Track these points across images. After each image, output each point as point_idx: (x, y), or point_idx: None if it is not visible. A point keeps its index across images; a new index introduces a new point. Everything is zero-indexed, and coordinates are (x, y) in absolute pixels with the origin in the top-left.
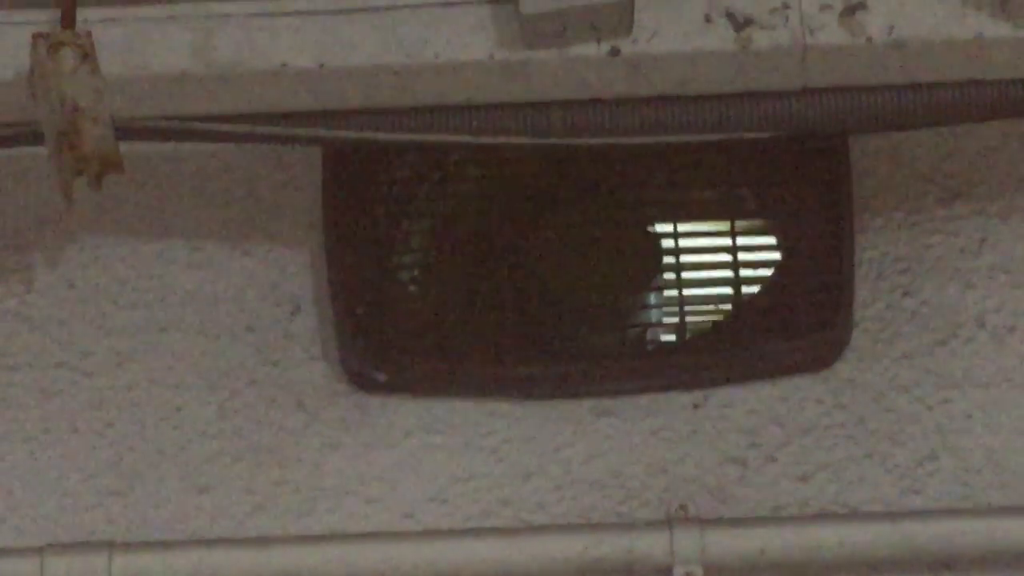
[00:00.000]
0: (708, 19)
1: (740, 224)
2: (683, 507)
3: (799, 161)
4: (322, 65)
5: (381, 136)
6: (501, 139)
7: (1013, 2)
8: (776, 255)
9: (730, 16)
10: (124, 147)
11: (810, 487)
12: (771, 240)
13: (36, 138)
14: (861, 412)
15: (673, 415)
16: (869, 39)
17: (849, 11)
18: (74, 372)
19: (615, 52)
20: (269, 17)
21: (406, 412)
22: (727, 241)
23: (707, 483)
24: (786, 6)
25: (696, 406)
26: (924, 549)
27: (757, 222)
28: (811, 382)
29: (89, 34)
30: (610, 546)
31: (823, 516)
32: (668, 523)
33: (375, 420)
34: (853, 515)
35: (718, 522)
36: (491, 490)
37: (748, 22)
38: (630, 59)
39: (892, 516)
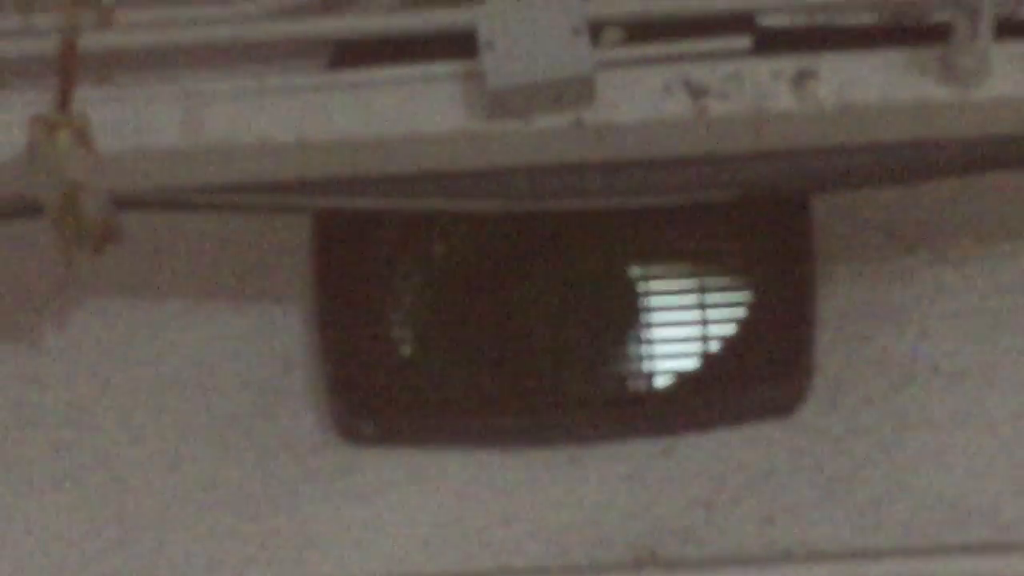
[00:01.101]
0: (667, 89)
1: (707, 279)
2: (653, 553)
3: (763, 217)
4: (303, 138)
5: (360, 203)
6: (473, 204)
7: (956, 67)
8: (741, 308)
9: (687, 85)
10: (123, 216)
11: (773, 529)
12: (737, 294)
13: (38, 211)
14: (821, 456)
15: (643, 462)
16: (819, 105)
17: (799, 79)
18: (80, 428)
19: (578, 122)
20: (253, 94)
21: (393, 462)
22: (695, 296)
23: (675, 526)
24: (739, 75)
25: (665, 452)
26: None
27: (724, 276)
28: (774, 428)
29: (85, 115)
30: None
31: (786, 557)
32: (637, 566)
33: (364, 470)
34: (813, 555)
35: (684, 563)
36: (473, 535)
37: (704, 91)
38: (593, 127)
39: (851, 555)
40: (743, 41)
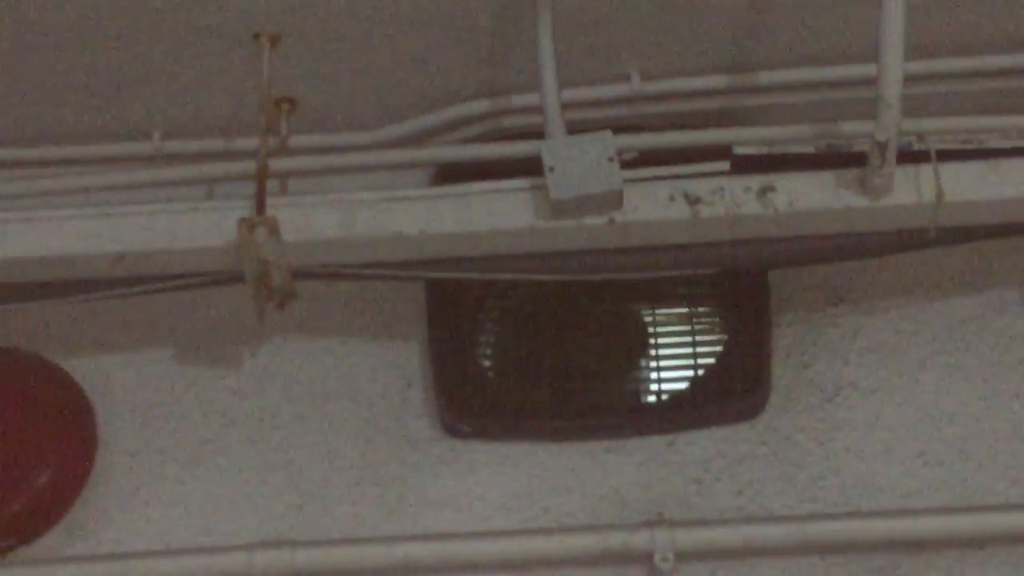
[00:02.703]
0: (671, 198)
1: (697, 325)
2: (660, 514)
3: (735, 282)
4: (424, 232)
5: (459, 275)
6: (537, 276)
7: (869, 184)
8: (721, 345)
9: (685, 196)
10: (300, 284)
11: (742, 499)
12: (718, 335)
13: (240, 280)
14: (776, 448)
15: (654, 451)
16: (776, 209)
17: (763, 192)
18: (269, 427)
19: (611, 221)
20: (389, 201)
21: (481, 452)
22: (689, 337)
23: (676, 496)
24: (721, 188)
25: (669, 445)
26: (816, 540)
27: (708, 323)
28: (744, 428)
29: (274, 217)
30: (613, 540)
31: (750, 519)
32: (650, 524)
33: (462, 457)
34: (770, 518)
35: (683, 523)
36: (537, 502)
37: (697, 200)
38: (621, 225)
39: (798, 519)
40: (723, 164)
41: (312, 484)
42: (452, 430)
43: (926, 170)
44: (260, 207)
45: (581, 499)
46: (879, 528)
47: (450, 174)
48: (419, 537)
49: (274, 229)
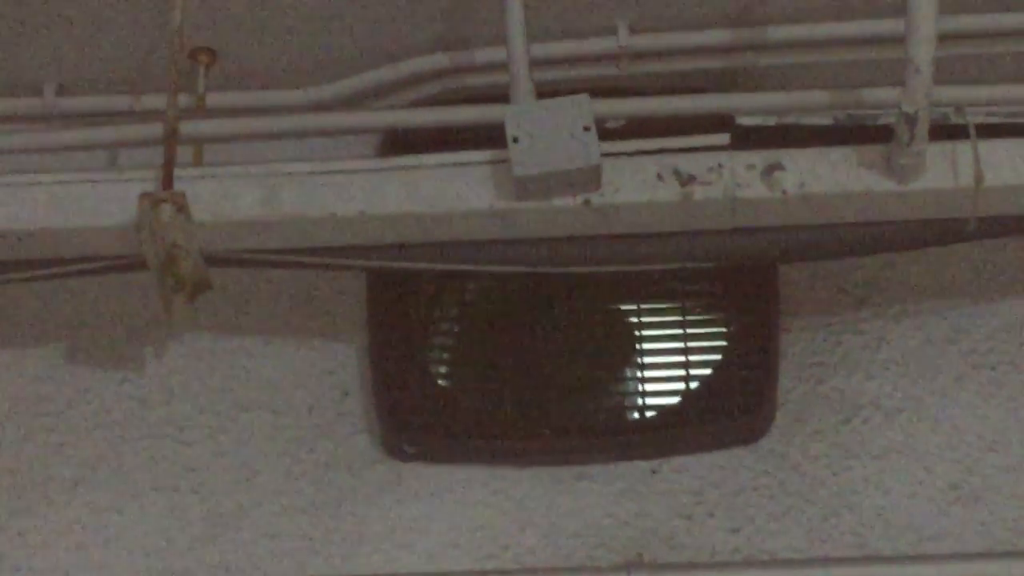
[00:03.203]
0: (660, 176)
1: (690, 329)
2: (640, 555)
3: (737, 279)
4: (363, 212)
5: (406, 265)
6: (499, 268)
7: (895, 164)
8: (718, 353)
9: (676, 173)
10: (215, 273)
11: (739, 537)
12: (715, 341)
13: (144, 266)
14: (781, 478)
15: (635, 479)
16: (784, 192)
17: (769, 170)
18: (175, 442)
19: (587, 203)
20: (322, 175)
21: (429, 477)
22: (680, 343)
23: (660, 533)
24: (720, 166)
25: (654, 472)
26: None
27: (704, 328)
28: (743, 453)
29: (183, 193)
30: None
31: (748, 562)
32: (627, 568)
33: (406, 482)
34: (772, 561)
35: (666, 566)
36: (494, 538)
37: (691, 179)
38: (599, 208)
39: (804, 562)
40: (723, 137)
41: (226, 513)
42: (395, 450)
43: (963, 148)
44: (167, 180)
45: (547, 536)
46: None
47: (398, 143)
48: None
49: (182, 206)
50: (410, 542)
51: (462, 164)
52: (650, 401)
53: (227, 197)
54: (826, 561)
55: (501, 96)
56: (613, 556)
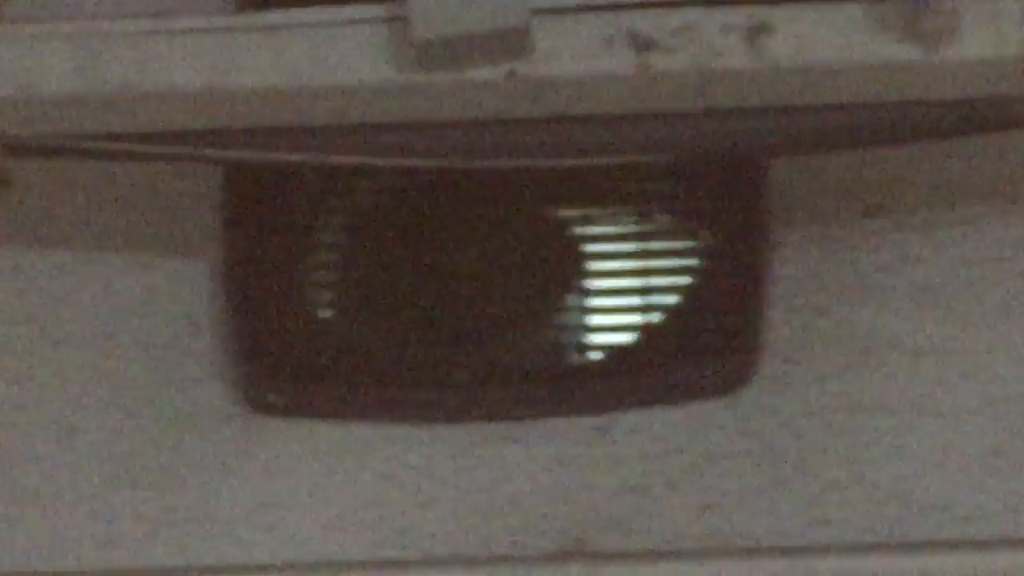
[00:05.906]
0: (609, 41)
1: (650, 243)
2: (580, 540)
3: (713, 178)
4: (211, 86)
5: (274, 156)
6: (398, 160)
7: (921, 27)
8: (687, 275)
9: (631, 38)
10: (15, 165)
11: (713, 518)
12: (682, 260)
13: None
14: (768, 439)
15: (574, 441)
16: (775, 62)
17: (754, 33)
18: None
19: (512, 75)
20: (155, 37)
21: (303, 436)
22: (637, 261)
23: (607, 512)
24: (688, 27)
25: (601, 431)
26: None
27: (668, 241)
28: (718, 407)
29: None
30: None
31: (723, 550)
32: (562, 557)
33: (271, 444)
34: (754, 549)
35: (614, 556)
36: (388, 519)
37: (650, 44)
38: (528, 81)
39: (797, 551)
40: None
41: (32, 484)
42: (258, 402)
43: (1010, 6)
44: None
45: (460, 515)
46: (923, 567)
47: None
48: (200, 569)
49: None
50: (275, 523)
51: (347, 22)
52: (597, 339)
53: (31, 64)
54: (826, 550)
55: None
56: (545, 542)
